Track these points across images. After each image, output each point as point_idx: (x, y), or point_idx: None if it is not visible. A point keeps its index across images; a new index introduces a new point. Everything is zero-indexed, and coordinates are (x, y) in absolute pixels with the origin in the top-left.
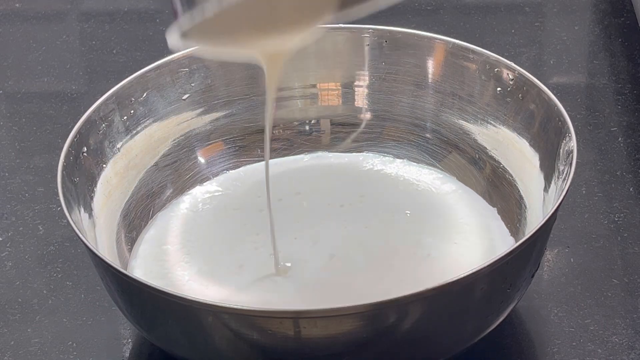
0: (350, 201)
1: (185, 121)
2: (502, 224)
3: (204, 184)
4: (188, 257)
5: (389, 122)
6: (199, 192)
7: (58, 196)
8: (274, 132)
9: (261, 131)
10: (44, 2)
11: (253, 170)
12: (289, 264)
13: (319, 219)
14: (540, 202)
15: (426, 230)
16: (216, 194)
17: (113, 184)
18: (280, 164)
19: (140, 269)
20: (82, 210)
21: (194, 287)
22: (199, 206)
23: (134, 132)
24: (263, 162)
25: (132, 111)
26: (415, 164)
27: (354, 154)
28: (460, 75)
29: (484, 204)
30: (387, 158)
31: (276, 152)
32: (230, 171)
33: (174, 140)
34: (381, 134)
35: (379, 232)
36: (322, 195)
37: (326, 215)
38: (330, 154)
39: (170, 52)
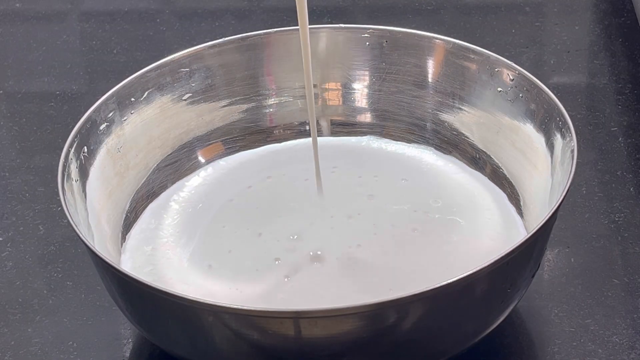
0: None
1: (185, 121)
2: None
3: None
4: (177, 249)
5: (389, 122)
6: (184, 185)
7: (58, 196)
8: (274, 132)
9: (261, 131)
10: (44, 2)
11: (240, 158)
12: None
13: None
14: (540, 202)
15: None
16: (203, 185)
17: (113, 184)
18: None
19: (129, 262)
20: (82, 210)
21: (191, 278)
22: (184, 198)
23: (134, 132)
24: (246, 151)
25: (132, 111)
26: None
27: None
28: (460, 75)
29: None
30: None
31: None
32: (219, 161)
33: (174, 140)
34: (381, 134)
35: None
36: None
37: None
38: (334, 139)
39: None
